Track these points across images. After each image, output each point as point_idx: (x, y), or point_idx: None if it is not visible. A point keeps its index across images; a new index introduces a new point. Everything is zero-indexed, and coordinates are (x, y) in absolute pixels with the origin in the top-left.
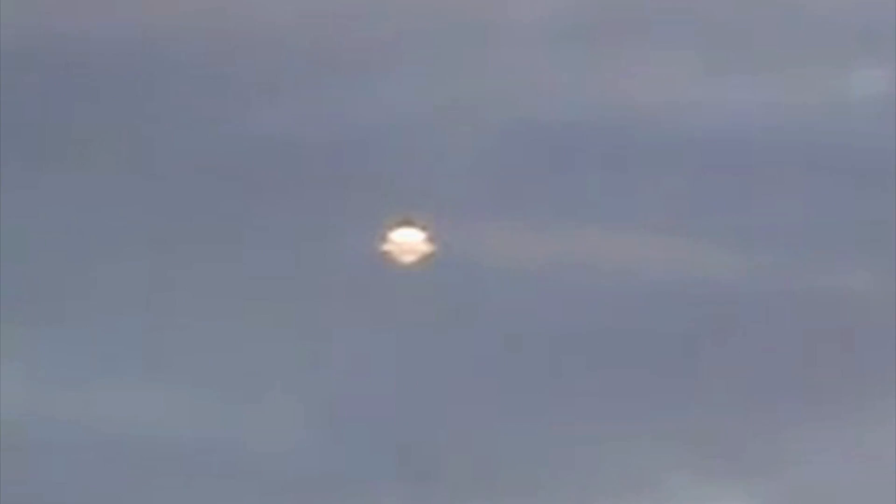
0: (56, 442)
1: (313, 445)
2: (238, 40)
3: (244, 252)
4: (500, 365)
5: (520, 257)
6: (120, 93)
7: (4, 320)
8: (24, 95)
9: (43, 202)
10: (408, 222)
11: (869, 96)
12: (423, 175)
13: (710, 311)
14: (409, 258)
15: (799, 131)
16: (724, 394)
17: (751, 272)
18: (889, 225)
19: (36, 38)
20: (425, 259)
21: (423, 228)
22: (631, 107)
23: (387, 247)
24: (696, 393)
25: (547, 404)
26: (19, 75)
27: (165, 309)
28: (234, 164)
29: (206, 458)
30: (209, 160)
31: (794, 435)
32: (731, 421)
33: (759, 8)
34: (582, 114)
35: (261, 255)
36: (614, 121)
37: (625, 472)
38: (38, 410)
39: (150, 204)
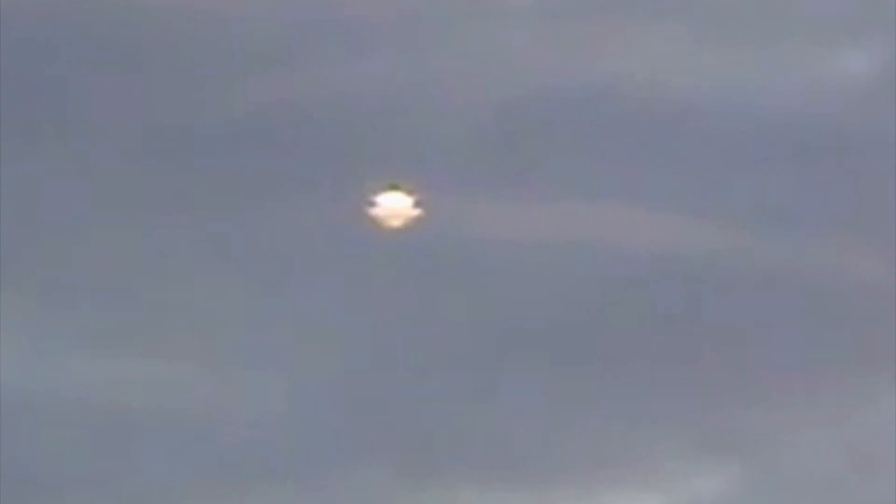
0: (35, 410)
1: (293, 415)
2: (230, 10)
3: (231, 218)
4: (482, 338)
5: (509, 229)
6: (99, 59)
7: None
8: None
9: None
10: (395, 187)
11: (856, 75)
12: (414, 145)
13: (700, 289)
14: (395, 222)
15: (786, 108)
16: (715, 372)
17: (737, 249)
18: (875, 202)
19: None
20: (412, 223)
21: (410, 194)
22: (620, 80)
23: (374, 211)
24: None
25: (529, 378)
26: None
27: (145, 278)
28: (224, 132)
29: (184, 428)
30: (200, 128)
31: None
32: (719, 399)
33: None
34: (572, 88)
35: (247, 223)
36: (604, 94)
37: (611, 447)
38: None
39: (130, 171)
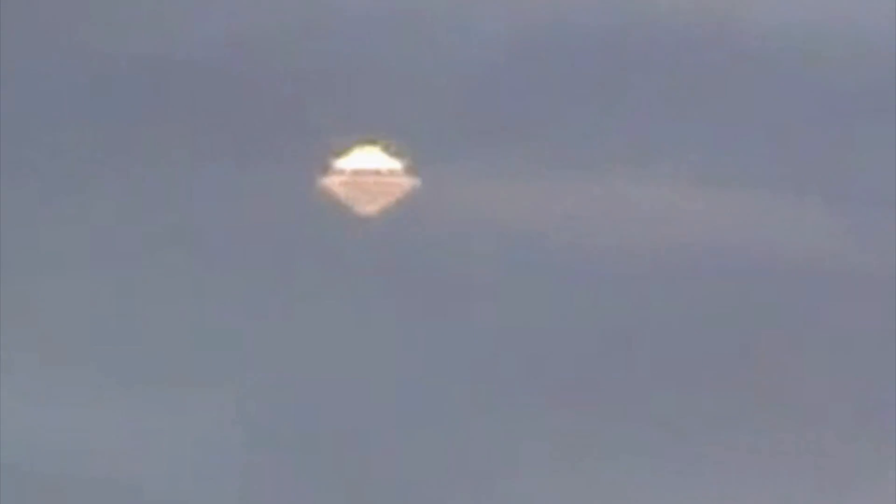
0: None
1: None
2: None
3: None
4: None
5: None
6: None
7: None
8: None
9: None
10: (369, 142)
11: None
12: (391, 94)
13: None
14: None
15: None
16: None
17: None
18: None
19: None
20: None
21: (395, 155)
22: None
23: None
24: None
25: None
26: None
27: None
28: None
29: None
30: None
31: None
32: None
33: None
34: (583, 20)
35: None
36: (623, 28)
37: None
38: None
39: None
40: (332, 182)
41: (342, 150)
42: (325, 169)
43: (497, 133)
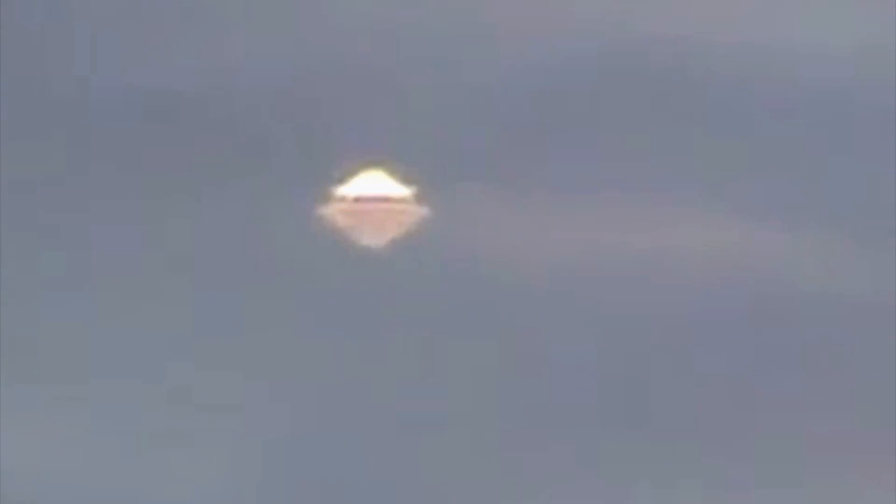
0: None
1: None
2: None
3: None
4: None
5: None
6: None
7: None
8: None
9: None
10: (374, 166)
11: None
12: (398, 114)
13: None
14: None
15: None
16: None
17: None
18: None
19: None
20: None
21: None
22: (655, 45)
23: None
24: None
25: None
26: None
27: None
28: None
29: None
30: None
31: None
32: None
33: None
34: (596, 53)
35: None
36: (633, 63)
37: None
38: None
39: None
40: (332, 210)
41: (344, 175)
42: (326, 196)
43: (512, 159)
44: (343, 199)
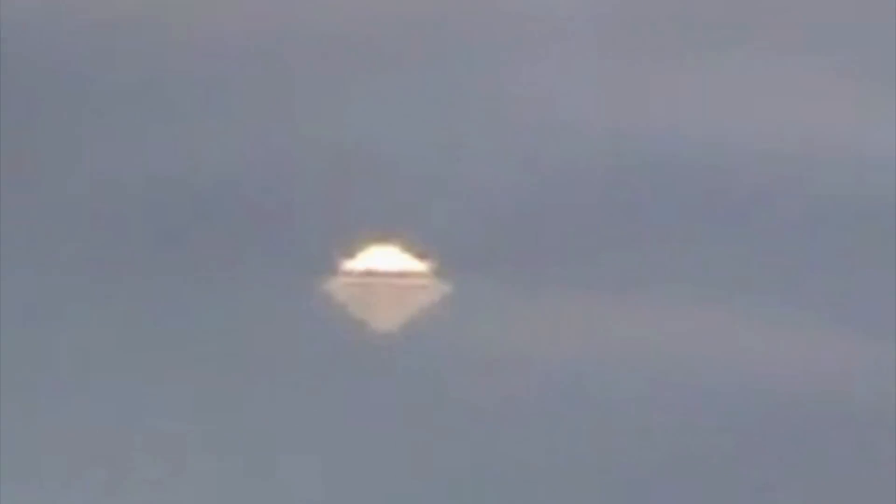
0: None
1: None
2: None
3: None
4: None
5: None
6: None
7: None
8: None
9: None
10: (386, 239)
11: None
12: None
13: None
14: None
15: None
16: None
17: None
18: None
19: None
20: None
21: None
22: (674, 140)
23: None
24: None
25: None
26: None
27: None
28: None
29: None
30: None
31: None
32: None
33: None
34: (611, 147)
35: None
36: (653, 157)
37: None
38: None
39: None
40: (338, 286)
41: (352, 249)
42: (331, 270)
43: (536, 243)
44: (350, 273)
